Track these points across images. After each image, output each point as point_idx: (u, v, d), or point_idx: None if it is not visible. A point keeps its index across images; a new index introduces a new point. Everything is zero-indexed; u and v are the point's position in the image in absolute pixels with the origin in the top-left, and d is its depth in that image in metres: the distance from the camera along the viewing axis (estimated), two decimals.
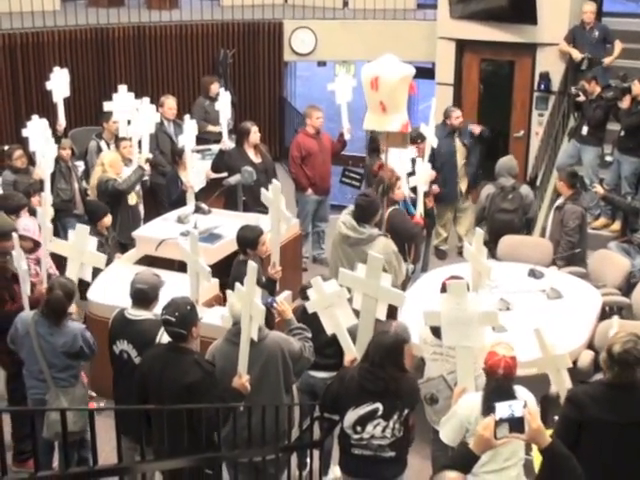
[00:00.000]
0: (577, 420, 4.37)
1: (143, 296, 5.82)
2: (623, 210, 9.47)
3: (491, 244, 8.40)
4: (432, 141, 8.71)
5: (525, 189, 8.99)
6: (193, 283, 6.76)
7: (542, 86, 11.79)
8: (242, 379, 5.20)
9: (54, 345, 5.80)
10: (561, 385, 5.21)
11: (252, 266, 5.12)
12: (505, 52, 12.01)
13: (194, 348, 5.42)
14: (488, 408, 4.19)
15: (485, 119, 11.92)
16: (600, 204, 10.09)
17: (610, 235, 9.77)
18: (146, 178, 9.36)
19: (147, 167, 9.21)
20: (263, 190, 7.11)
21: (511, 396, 4.32)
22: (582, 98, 10.27)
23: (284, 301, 6.05)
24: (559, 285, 7.54)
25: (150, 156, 9.51)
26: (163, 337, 5.49)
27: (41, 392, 5.89)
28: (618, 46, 11.28)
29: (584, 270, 8.25)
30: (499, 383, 4.72)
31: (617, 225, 9.96)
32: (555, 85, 11.66)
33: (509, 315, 6.75)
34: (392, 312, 6.05)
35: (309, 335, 5.69)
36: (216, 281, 7.32)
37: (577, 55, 11.32)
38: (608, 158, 10.30)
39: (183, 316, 5.19)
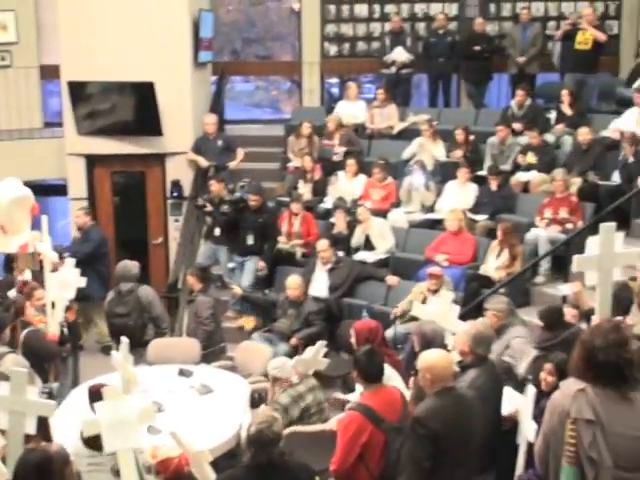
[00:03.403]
0: None
1: None
2: (261, 305, 10.05)
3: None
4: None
5: (143, 290, 9.25)
6: None
7: (174, 193, 12.26)
8: None
9: None
10: (205, 478, 5.38)
11: None
12: (135, 163, 12.35)
13: None
14: None
15: (122, 229, 12.14)
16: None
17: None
18: None
19: None
20: None
21: None
22: (209, 208, 10.89)
23: None
24: (208, 380, 7.77)
25: None
26: None
27: None
28: (240, 153, 12.15)
29: (231, 362, 8.61)
30: None
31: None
32: (186, 191, 12.18)
33: (162, 416, 6.84)
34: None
35: None
36: None
37: (204, 163, 11.97)
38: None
39: None
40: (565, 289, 8.13)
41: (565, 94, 11.73)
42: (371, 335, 7.11)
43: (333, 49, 14.50)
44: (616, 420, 3.93)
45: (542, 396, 5.55)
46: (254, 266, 10.60)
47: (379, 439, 5.37)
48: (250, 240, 10.65)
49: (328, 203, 11.42)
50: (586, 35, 12.32)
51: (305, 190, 11.63)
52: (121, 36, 11.74)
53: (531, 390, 5.72)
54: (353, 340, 7.15)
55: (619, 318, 5.86)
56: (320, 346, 7.49)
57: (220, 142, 12.25)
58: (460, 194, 10.90)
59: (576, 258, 5.90)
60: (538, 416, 5.26)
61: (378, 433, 5.36)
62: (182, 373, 7.97)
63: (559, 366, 5.58)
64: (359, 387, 6.37)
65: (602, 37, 12.38)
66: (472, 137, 11.78)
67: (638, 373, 4.03)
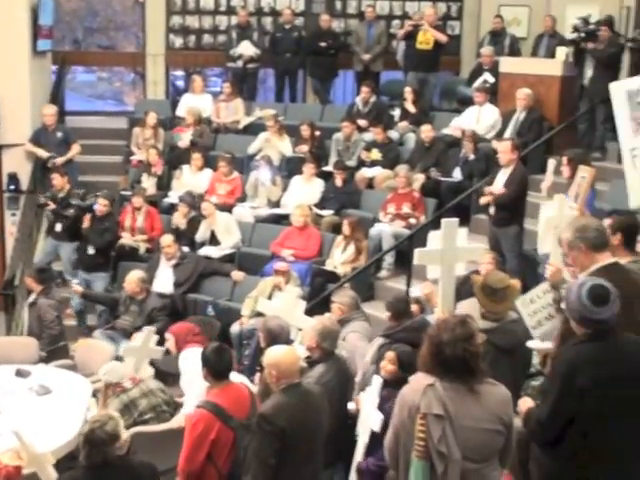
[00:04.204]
0: None
1: None
2: (103, 303, 9.80)
3: None
4: None
5: None
6: None
7: (11, 187, 11.78)
8: None
9: None
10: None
11: None
12: None
13: None
14: None
15: None
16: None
17: (94, 325, 9.97)
18: None
19: None
20: None
21: None
22: (52, 206, 10.57)
23: None
24: (48, 381, 7.49)
25: None
26: None
27: None
28: (75, 147, 11.86)
29: (71, 362, 8.33)
30: None
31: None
32: (24, 184, 11.73)
33: None
34: None
35: None
36: None
37: (44, 154, 11.55)
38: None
39: None
40: (416, 290, 8.27)
41: (408, 92, 11.98)
42: (190, 333, 7.05)
43: (178, 41, 14.29)
44: (464, 413, 4.00)
45: (384, 385, 5.61)
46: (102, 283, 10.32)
47: (228, 437, 5.30)
48: (91, 250, 10.28)
49: (173, 197, 11.23)
50: (427, 35, 12.59)
51: (149, 184, 11.39)
52: None
53: (377, 380, 5.77)
54: (171, 344, 7.06)
55: (459, 310, 5.99)
56: (149, 332, 7.32)
57: (60, 134, 11.86)
58: (306, 189, 10.94)
59: (417, 251, 5.99)
60: (380, 406, 5.35)
61: (227, 431, 5.28)
62: (19, 373, 7.65)
63: (401, 357, 5.64)
64: (197, 384, 6.26)
65: (442, 38, 12.68)
66: (318, 133, 11.85)
67: (484, 365, 4.12)
